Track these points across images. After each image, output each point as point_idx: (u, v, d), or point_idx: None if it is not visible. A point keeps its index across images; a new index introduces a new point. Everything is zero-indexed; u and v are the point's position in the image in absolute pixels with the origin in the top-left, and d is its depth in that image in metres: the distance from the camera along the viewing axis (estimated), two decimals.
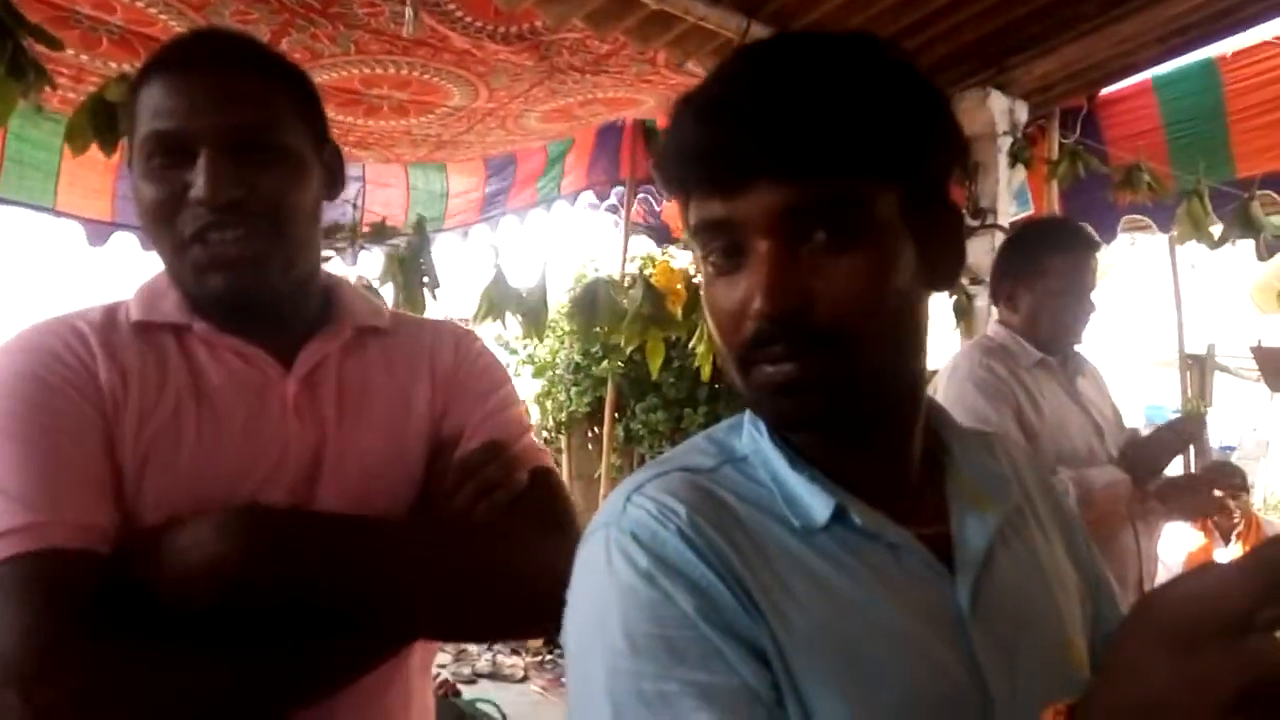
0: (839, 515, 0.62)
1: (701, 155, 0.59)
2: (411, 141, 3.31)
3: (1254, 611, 0.39)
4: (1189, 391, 5.55)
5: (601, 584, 0.59)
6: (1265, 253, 2.69)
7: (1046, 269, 1.95)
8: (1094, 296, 1.98)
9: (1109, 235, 3.87)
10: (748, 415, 0.68)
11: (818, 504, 0.62)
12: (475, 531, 0.86)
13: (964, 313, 2.98)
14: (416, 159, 3.76)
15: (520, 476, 0.90)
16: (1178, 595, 0.41)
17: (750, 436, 0.67)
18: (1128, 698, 0.43)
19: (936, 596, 0.62)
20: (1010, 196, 3.19)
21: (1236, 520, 4.03)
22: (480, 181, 4.12)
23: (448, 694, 2.92)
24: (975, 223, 2.90)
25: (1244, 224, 2.55)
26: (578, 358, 6.25)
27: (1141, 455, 1.95)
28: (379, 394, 0.92)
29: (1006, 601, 0.64)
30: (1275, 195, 3.21)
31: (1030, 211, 3.37)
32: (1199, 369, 5.61)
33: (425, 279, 2.38)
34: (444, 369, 0.96)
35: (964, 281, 3.01)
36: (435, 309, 2.56)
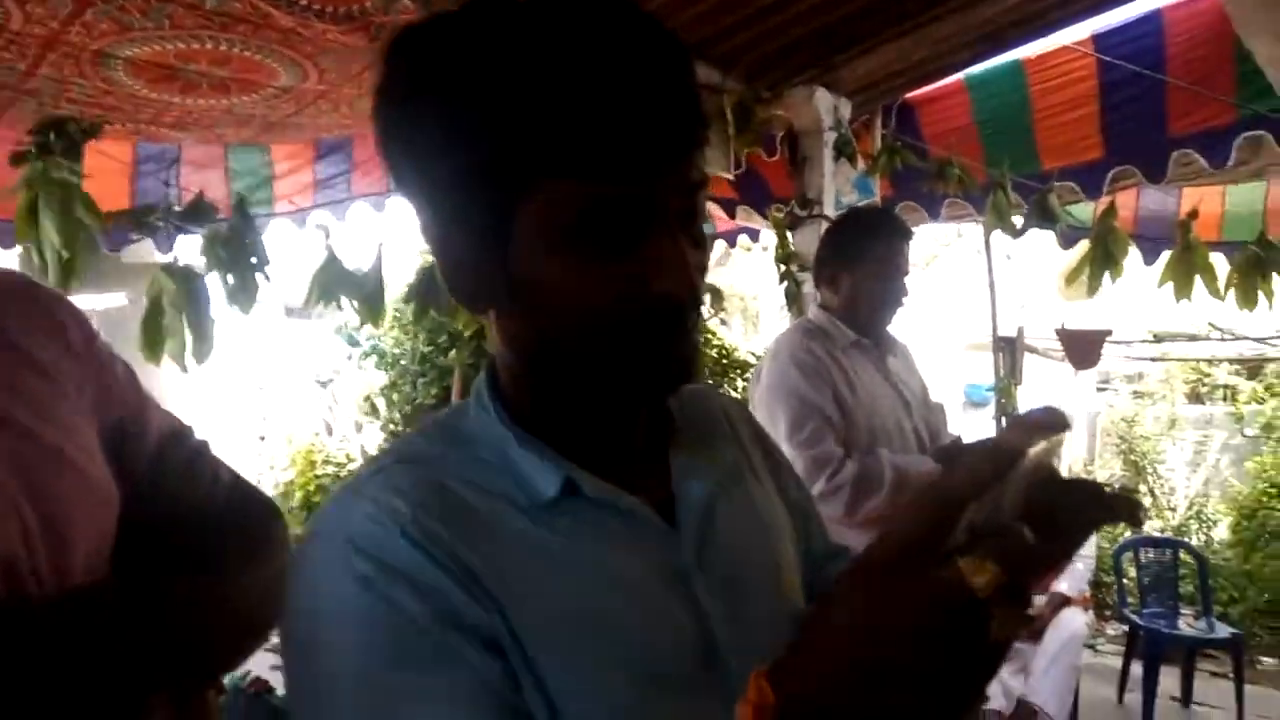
0: (570, 489, 0.63)
1: (634, 132, 0.56)
2: (235, 121, 3.15)
3: (937, 542, 0.42)
4: (1001, 371, 6.00)
5: (319, 597, 0.57)
6: (1064, 242, 2.94)
7: (863, 255, 2.07)
8: (906, 281, 2.11)
9: (934, 215, 4.17)
10: (474, 396, 0.68)
11: (546, 479, 0.63)
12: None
13: (793, 298, 3.12)
14: (241, 140, 3.58)
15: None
16: (880, 537, 0.45)
17: (477, 418, 0.67)
18: (828, 642, 0.45)
19: (665, 555, 0.65)
20: (850, 186, 3.35)
21: None
22: (308, 162, 3.96)
23: (259, 692, 2.79)
24: (803, 213, 3.03)
25: (1042, 214, 2.78)
26: (424, 348, 6.13)
27: (965, 454, 2.08)
28: None
29: (728, 552, 0.68)
30: (1075, 187, 3.53)
31: (874, 199, 3.57)
32: (1010, 351, 6.07)
33: (254, 260, 2.27)
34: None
35: (793, 269, 3.15)
36: (268, 292, 2.45)
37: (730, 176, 2.94)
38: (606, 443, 0.67)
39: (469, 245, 0.62)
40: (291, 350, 7.91)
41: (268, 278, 2.35)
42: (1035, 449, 0.46)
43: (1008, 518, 0.43)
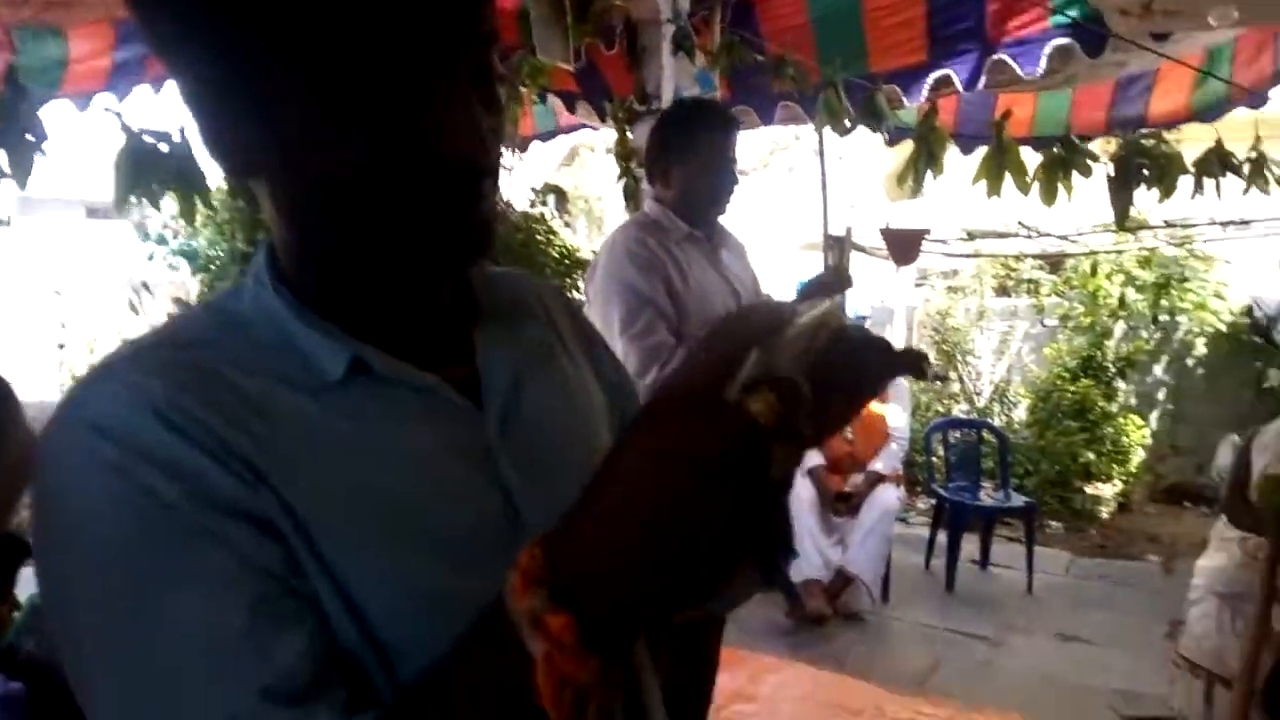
0: (358, 368, 0.60)
1: None
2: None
3: (715, 387, 0.43)
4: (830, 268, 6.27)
5: (62, 487, 0.52)
6: (890, 140, 3.05)
7: (693, 147, 2.08)
8: (736, 172, 2.15)
9: (768, 119, 4.23)
10: (251, 276, 0.63)
11: (332, 358, 0.59)
12: None
13: (632, 195, 3.12)
14: (21, 19, 3.17)
15: None
16: (658, 389, 0.45)
17: (255, 298, 0.62)
18: (605, 498, 0.44)
19: (467, 433, 0.63)
20: (693, 81, 3.33)
21: None
22: (108, 47, 3.57)
23: None
24: (641, 108, 3.01)
25: (870, 114, 2.87)
26: (243, 248, 5.72)
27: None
28: None
29: (536, 429, 0.67)
30: (899, 89, 3.65)
31: (716, 94, 3.57)
32: (839, 249, 6.32)
33: (29, 136, 2.03)
34: None
35: (632, 165, 3.14)
36: (45, 171, 2.19)
37: (570, 68, 2.87)
38: (403, 322, 0.64)
39: (232, 107, 0.56)
40: (94, 253, 7.26)
41: (44, 153, 2.11)
42: (817, 307, 0.48)
43: (788, 370, 0.45)
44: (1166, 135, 2.95)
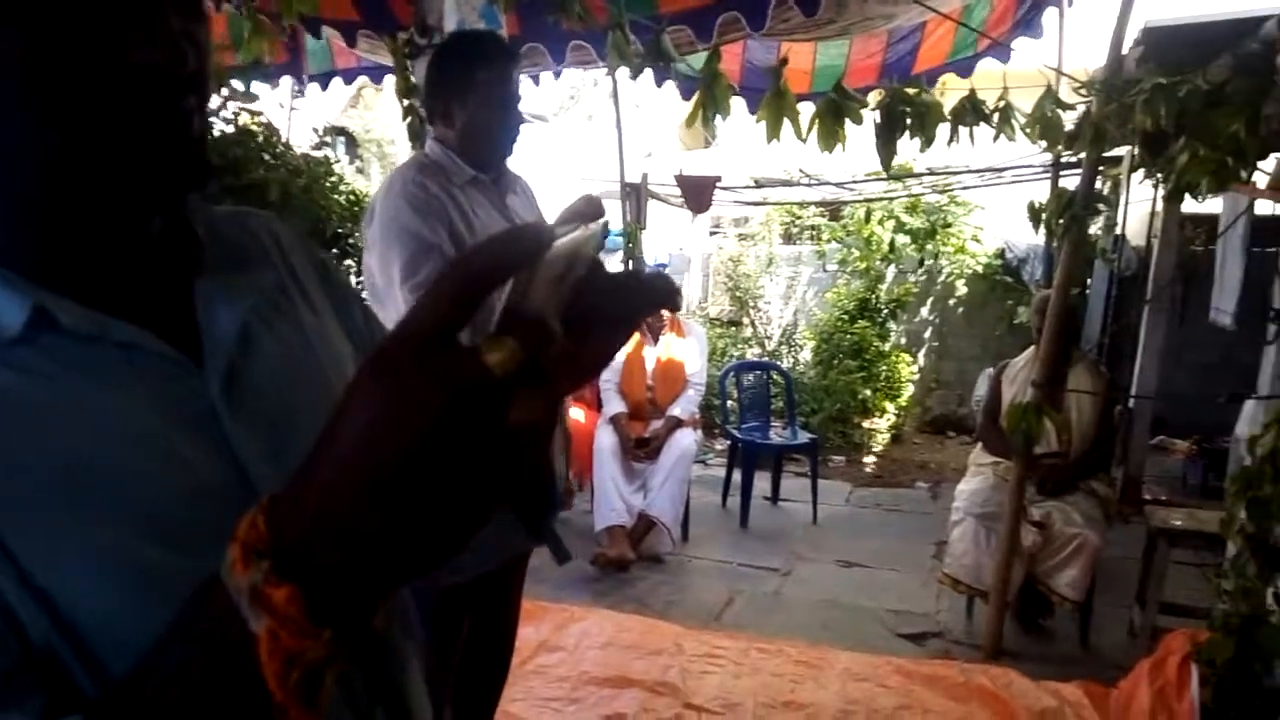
0: (42, 321, 0.51)
1: None
2: None
3: (451, 328, 0.38)
4: (628, 217, 6.30)
5: None
6: (684, 92, 3.02)
7: (473, 82, 1.96)
8: (521, 109, 2.04)
9: (559, 59, 4.12)
10: None
11: (8, 310, 0.51)
12: None
13: (418, 135, 2.94)
14: None
15: None
16: (390, 332, 0.39)
17: None
18: (334, 453, 0.39)
19: (184, 392, 0.56)
20: (477, 16, 3.15)
21: (662, 320, 4.73)
22: None
23: None
24: (423, 41, 2.82)
25: (658, 55, 2.83)
26: None
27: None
28: None
29: (269, 385, 0.61)
30: (689, 32, 3.65)
31: (502, 30, 3.41)
32: (635, 197, 6.37)
33: None
34: None
35: (416, 103, 2.95)
36: None
37: None
38: (103, 268, 0.55)
39: None
40: None
41: None
42: (568, 236, 0.43)
43: (537, 306, 0.40)
44: (933, 90, 3.13)
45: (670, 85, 4.26)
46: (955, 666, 3.23)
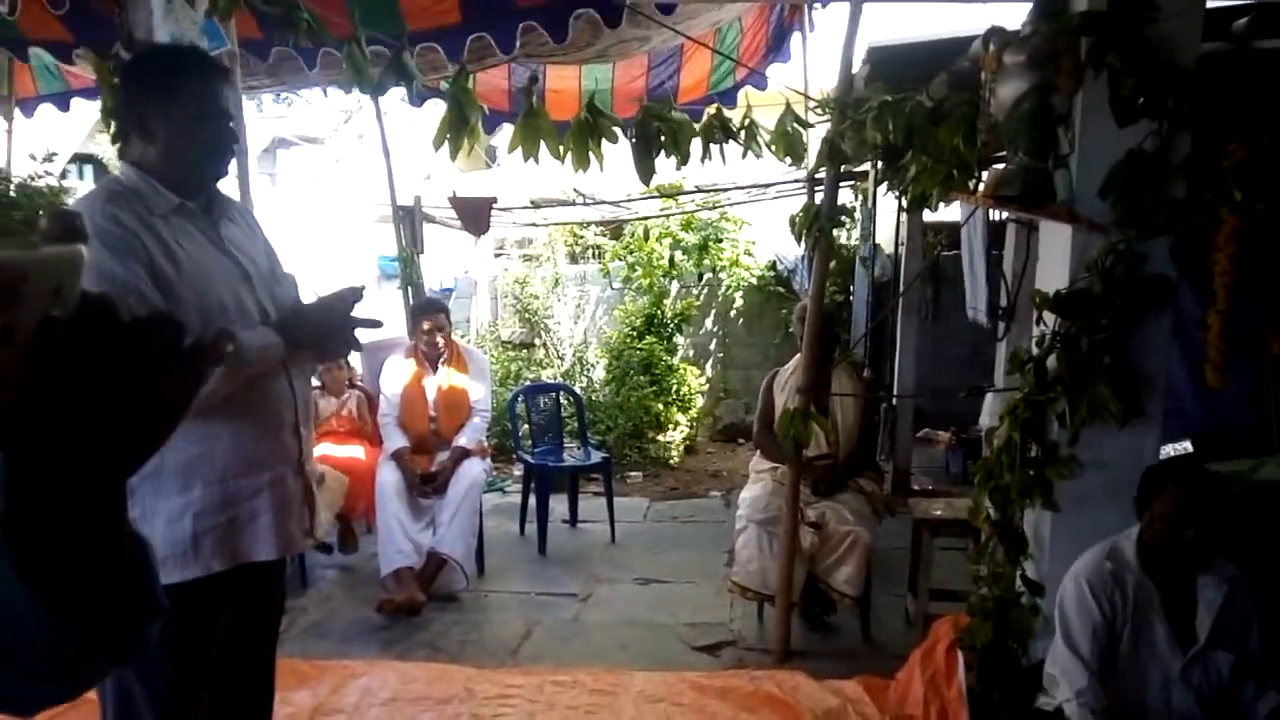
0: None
1: None
2: None
3: None
4: (404, 241, 6.05)
5: None
6: (416, 100, 2.90)
7: (174, 95, 1.74)
8: (232, 126, 1.84)
9: (311, 66, 3.87)
10: None
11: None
12: None
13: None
14: None
15: None
16: None
17: None
18: None
19: None
20: (199, 32, 2.88)
21: (441, 348, 4.54)
22: None
23: None
24: (127, 54, 2.53)
25: (398, 71, 2.69)
26: None
27: (303, 321, 1.92)
28: None
29: None
30: (439, 50, 3.53)
31: (227, 47, 3.13)
32: (410, 220, 6.13)
33: None
34: None
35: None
36: None
37: (7, 15, 2.30)
38: None
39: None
40: None
41: None
42: (35, 255, 0.38)
43: None
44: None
45: (441, 106, 4.13)
46: (745, 675, 3.27)
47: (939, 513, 3.54)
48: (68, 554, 0.49)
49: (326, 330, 1.88)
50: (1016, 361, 2.42)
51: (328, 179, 11.13)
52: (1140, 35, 2.13)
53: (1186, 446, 3.19)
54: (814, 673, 3.25)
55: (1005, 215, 3.33)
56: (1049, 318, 2.39)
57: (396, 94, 4.47)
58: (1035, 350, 2.42)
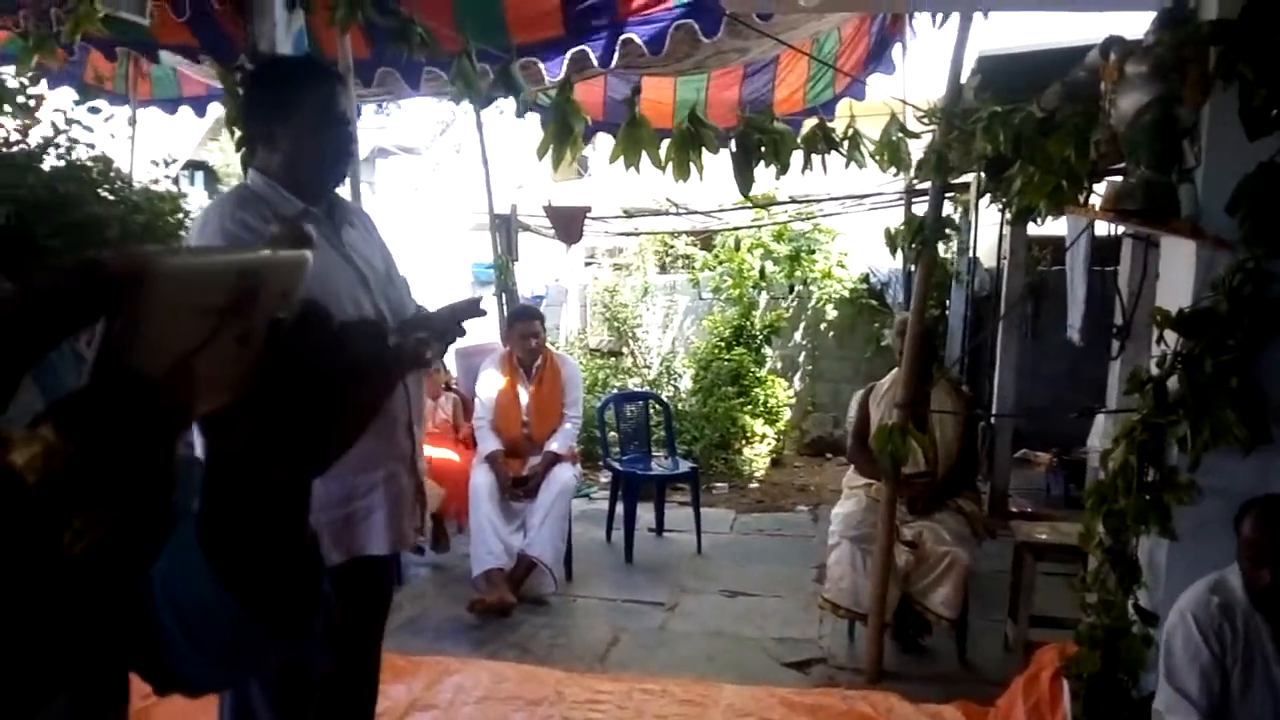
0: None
1: None
2: None
3: None
4: (499, 249, 6.18)
5: None
6: (521, 109, 2.96)
7: (295, 104, 1.82)
8: (350, 131, 1.92)
9: (414, 83, 3.98)
10: None
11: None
12: None
13: None
14: None
15: None
16: None
17: None
18: None
19: None
20: (289, 42, 3.00)
21: (536, 354, 4.61)
22: None
23: None
24: (251, 65, 2.65)
25: (506, 84, 2.76)
26: None
27: (428, 326, 1.97)
28: None
29: None
30: (540, 65, 3.59)
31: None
32: (505, 228, 6.26)
33: None
34: None
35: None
36: None
37: (145, 21, 2.44)
38: None
39: None
40: None
41: None
42: (270, 259, 0.39)
43: (141, 360, 0.29)
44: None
45: (536, 118, 4.20)
46: (837, 694, 3.21)
47: (1043, 536, 3.42)
48: (259, 553, 0.52)
49: (447, 337, 1.93)
50: (1135, 382, 2.32)
51: (425, 187, 11.45)
52: (1275, 44, 2.03)
53: None
54: (908, 694, 3.18)
55: (1120, 231, 3.21)
56: (1170, 337, 2.29)
57: (494, 106, 4.59)
58: (1155, 371, 2.32)
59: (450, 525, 4.88)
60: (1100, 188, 2.68)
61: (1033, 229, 4.57)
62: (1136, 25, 2.37)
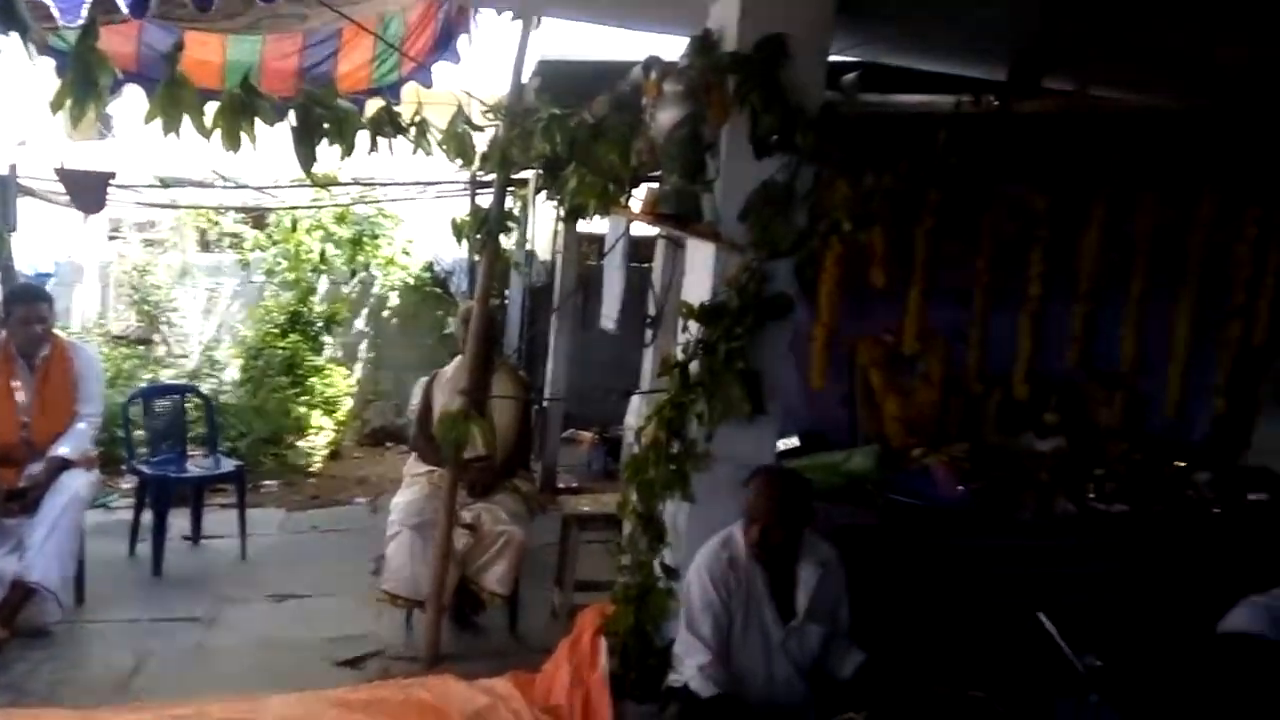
0: None
1: None
2: None
3: None
4: None
5: None
6: (30, 52, 2.46)
7: None
8: None
9: None
10: None
11: None
12: None
13: None
14: None
15: None
16: None
17: None
18: None
19: None
20: None
21: (40, 343, 3.89)
22: None
23: None
24: None
25: (6, 18, 2.26)
26: None
27: None
28: None
29: None
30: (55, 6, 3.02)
31: None
32: (1, 192, 5.24)
33: None
34: None
35: None
36: None
37: None
38: None
39: None
40: None
41: None
42: None
43: None
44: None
45: (51, 63, 3.51)
46: (394, 685, 3.16)
47: (586, 508, 3.72)
48: None
49: None
50: (666, 366, 2.62)
51: None
52: (775, 79, 2.42)
53: (794, 442, 3.67)
54: (465, 674, 3.23)
55: (657, 231, 3.60)
56: (694, 327, 2.62)
57: None
58: (680, 356, 2.64)
59: None
60: (639, 192, 2.99)
61: (583, 226, 4.93)
62: (680, 48, 2.67)
